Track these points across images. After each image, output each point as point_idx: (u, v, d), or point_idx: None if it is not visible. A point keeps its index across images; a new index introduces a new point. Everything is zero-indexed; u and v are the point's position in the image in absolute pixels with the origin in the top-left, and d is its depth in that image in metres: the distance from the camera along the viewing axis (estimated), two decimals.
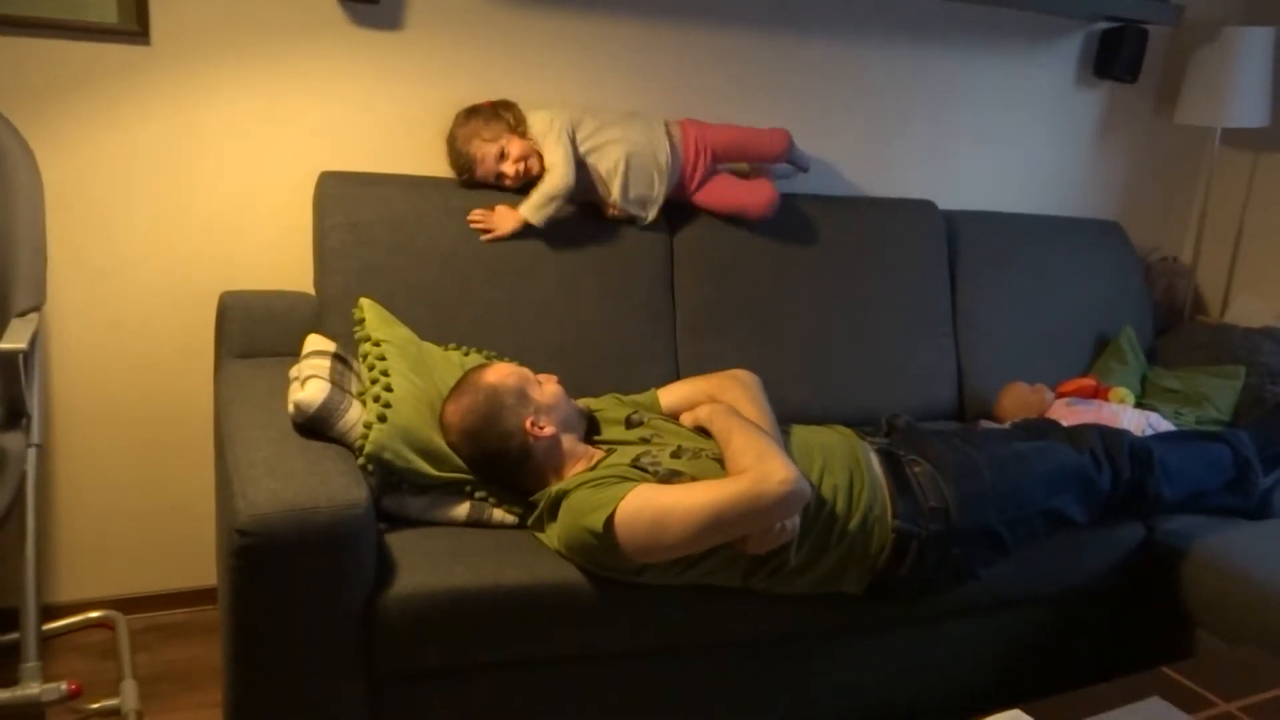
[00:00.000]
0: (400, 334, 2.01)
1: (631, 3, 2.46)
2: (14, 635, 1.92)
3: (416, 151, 2.36)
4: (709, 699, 1.93)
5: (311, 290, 2.24)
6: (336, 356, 1.94)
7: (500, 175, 2.27)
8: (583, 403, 2.05)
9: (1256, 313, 3.13)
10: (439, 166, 2.35)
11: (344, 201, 2.18)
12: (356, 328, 1.99)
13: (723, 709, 1.94)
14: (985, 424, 2.51)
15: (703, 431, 1.95)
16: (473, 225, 2.25)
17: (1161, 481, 2.15)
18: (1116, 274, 2.93)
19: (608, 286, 2.35)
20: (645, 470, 1.80)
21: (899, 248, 2.66)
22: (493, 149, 2.25)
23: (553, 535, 1.80)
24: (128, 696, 2.04)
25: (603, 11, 2.44)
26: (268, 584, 1.57)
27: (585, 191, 2.33)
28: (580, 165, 2.29)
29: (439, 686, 1.74)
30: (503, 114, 2.27)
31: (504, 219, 2.26)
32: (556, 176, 2.24)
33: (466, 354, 2.14)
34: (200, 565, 2.43)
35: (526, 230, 2.26)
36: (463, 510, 1.86)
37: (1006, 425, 2.38)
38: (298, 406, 1.77)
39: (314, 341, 1.98)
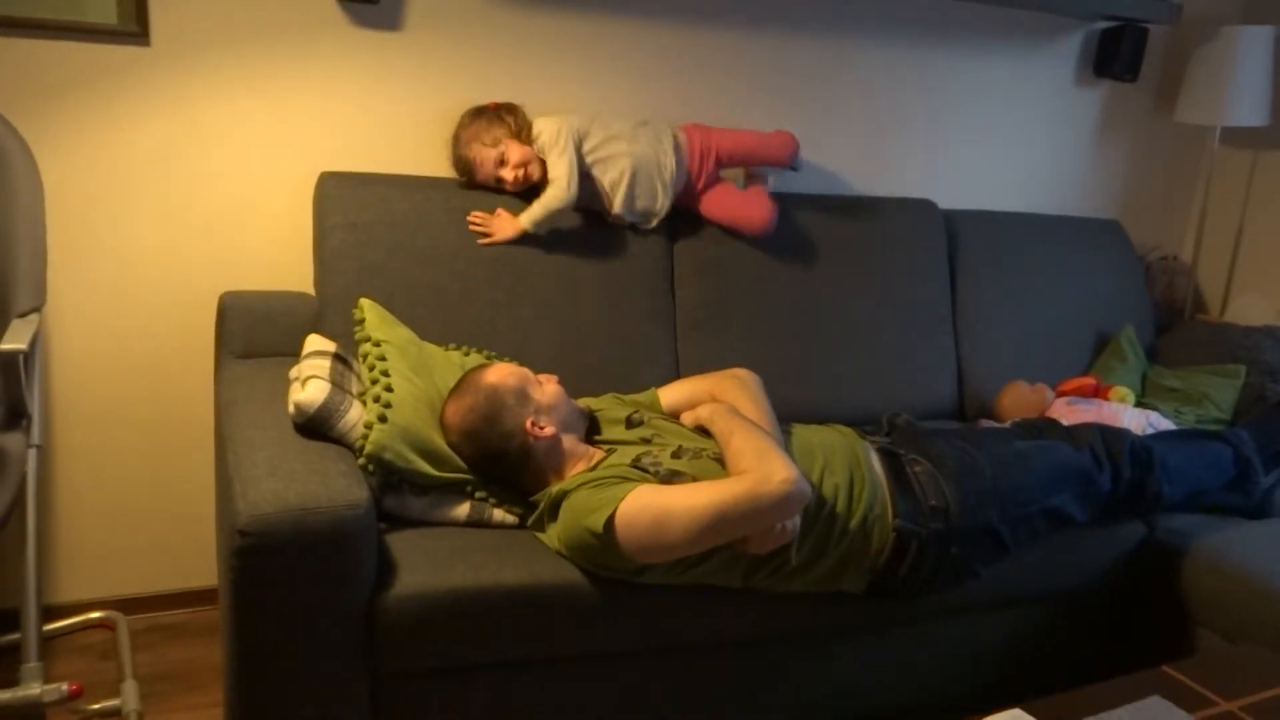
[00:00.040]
0: (400, 334, 2.01)
1: (630, 3, 2.46)
2: (15, 636, 1.92)
3: (416, 152, 2.36)
4: (709, 699, 1.93)
5: (311, 290, 2.24)
6: (337, 357, 1.94)
7: (499, 180, 2.27)
8: (583, 403, 2.05)
9: (1257, 311, 3.13)
10: (439, 167, 2.35)
11: (344, 202, 2.18)
12: (356, 328, 1.99)
13: (723, 709, 1.94)
14: (985, 423, 2.51)
15: (703, 431, 1.95)
16: (472, 227, 2.25)
17: (1162, 480, 2.14)
18: (1116, 273, 2.93)
19: (608, 286, 2.35)
20: (646, 470, 1.80)
21: (899, 247, 2.66)
22: (492, 154, 2.25)
23: (553, 535, 1.80)
24: (128, 697, 2.04)
25: (602, 12, 2.44)
26: (268, 584, 1.57)
27: (588, 200, 2.32)
28: (584, 176, 2.28)
29: (439, 686, 1.74)
30: (505, 118, 2.26)
31: (503, 225, 2.26)
32: (559, 190, 2.23)
33: (466, 354, 2.14)
34: (201, 565, 2.43)
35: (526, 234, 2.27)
36: (463, 510, 1.86)
37: (1007, 424, 2.38)
38: (298, 407, 1.77)
39: (314, 342, 1.98)
